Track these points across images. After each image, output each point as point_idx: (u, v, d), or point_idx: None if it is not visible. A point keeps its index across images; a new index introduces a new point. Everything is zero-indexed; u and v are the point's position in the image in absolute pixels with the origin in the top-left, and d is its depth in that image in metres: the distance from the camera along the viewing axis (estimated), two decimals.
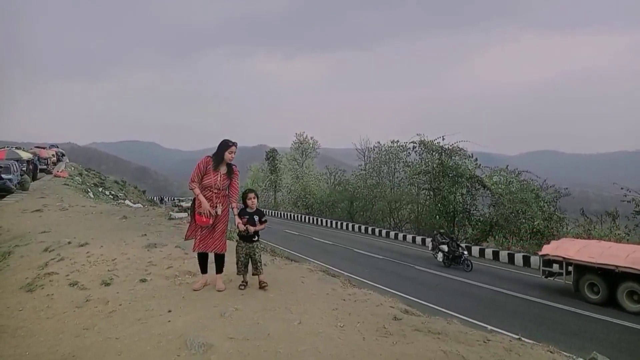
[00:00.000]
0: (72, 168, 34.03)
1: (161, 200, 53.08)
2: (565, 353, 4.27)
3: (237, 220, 5.49)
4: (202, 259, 5.64)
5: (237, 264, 5.57)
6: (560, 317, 10.74)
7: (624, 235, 20.19)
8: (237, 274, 5.63)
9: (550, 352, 4.12)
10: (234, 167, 5.52)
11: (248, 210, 5.52)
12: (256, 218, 5.52)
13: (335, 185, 42.25)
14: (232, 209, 5.54)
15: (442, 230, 20.42)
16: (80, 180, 28.29)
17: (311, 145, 51.93)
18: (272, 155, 50.44)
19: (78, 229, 10.59)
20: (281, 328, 4.27)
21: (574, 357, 4.26)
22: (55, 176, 30.32)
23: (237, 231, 5.59)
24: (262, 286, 5.52)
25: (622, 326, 10.13)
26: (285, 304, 4.97)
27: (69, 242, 8.61)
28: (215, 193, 5.37)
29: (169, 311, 4.77)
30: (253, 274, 5.53)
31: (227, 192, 5.53)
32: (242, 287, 5.54)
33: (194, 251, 5.56)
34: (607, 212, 21.46)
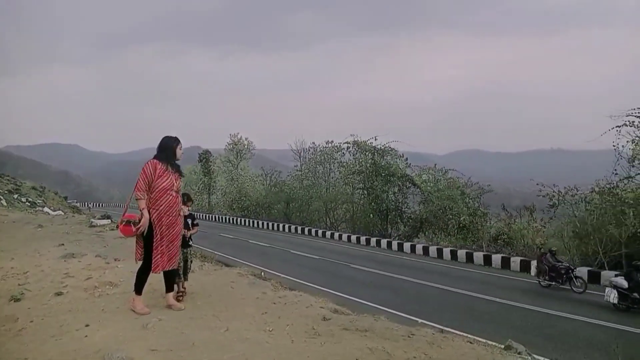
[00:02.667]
0: None
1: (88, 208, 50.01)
2: (483, 341, 4.50)
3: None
4: (146, 277, 4.83)
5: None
6: (486, 307, 11.36)
7: (540, 227, 21.82)
8: (176, 282, 5.32)
9: (470, 342, 4.33)
10: (179, 168, 5.05)
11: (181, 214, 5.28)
12: (189, 221, 5.34)
13: (271, 186, 42.04)
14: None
15: (553, 249, 15.22)
16: None
17: (246, 147, 51.32)
18: (205, 157, 49.21)
19: None
20: (207, 336, 4.14)
21: (492, 344, 4.50)
22: None
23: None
24: (178, 297, 5.23)
25: (543, 313, 10.86)
26: (212, 312, 4.84)
27: None
28: (174, 196, 4.82)
29: (87, 325, 4.48)
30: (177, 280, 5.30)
31: None
32: (181, 297, 5.26)
33: (156, 272, 4.75)
34: (525, 206, 23.07)
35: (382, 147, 29.61)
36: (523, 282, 15.25)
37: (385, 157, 29.86)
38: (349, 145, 31.86)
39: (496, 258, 18.04)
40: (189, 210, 5.40)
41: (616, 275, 11.99)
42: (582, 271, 15.44)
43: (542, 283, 14.20)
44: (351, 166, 31.57)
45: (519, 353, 4.16)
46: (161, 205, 4.71)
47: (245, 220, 39.07)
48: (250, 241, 24.90)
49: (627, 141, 18.41)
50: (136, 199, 4.72)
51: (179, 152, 4.94)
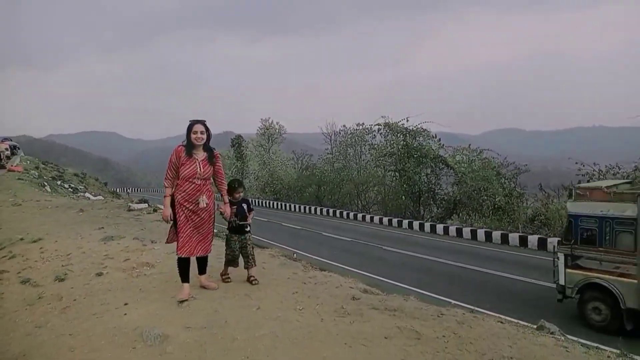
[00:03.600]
0: (28, 162, 32.61)
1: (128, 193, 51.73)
2: (515, 321, 4.44)
3: (227, 210, 5.05)
4: (185, 265, 4.77)
5: (227, 258, 5.31)
6: (521, 288, 11.17)
7: None
8: (227, 267, 5.36)
9: (501, 322, 4.27)
10: (214, 150, 4.86)
11: (233, 200, 5.21)
12: (245, 207, 5.29)
13: (302, 170, 42.19)
14: (224, 200, 5.03)
15: None
16: (37, 174, 27.18)
17: (277, 131, 51.62)
18: (237, 142, 49.82)
19: (32, 225, 10.21)
20: (239, 315, 4.26)
21: (524, 324, 4.43)
22: (9, 170, 29.00)
23: (230, 224, 5.23)
24: (251, 281, 5.22)
25: None
26: (244, 291, 4.95)
27: (22, 239, 8.30)
28: (198, 184, 4.67)
29: (125, 304, 4.68)
30: (245, 268, 5.31)
31: (212, 181, 4.93)
32: (229, 280, 5.29)
33: (178, 255, 4.72)
34: (563, 186, 22.31)
35: (414, 128, 29.13)
36: None
37: (417, 139, 29.35)
38: (380, 127, 31.46)
39: (532, 239, 17.60)
40: (240, 196, 5.25)
41: None
42: None
43: None
44: (382, 148, 31.23)
45: (552, 333, 4.08)
46: (182, 192, 4.68)
47: (277, 204, 39.52)
48: (282, 224, 25.22)
49: None
50: (165, 187, 4.76)
51: (192, 137, 4.65)
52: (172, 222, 4.80)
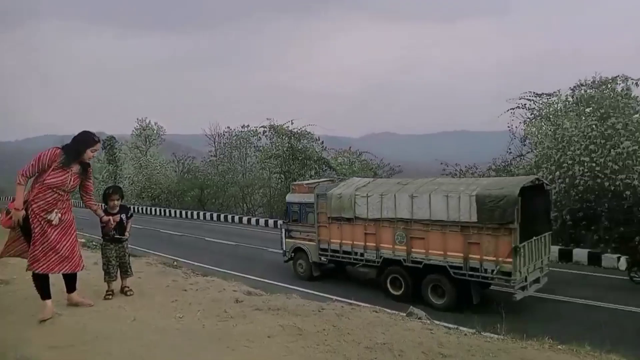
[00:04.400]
0: None
1: None
2: (388, 311, 4.80)
3: (107, 218, 4.75)
4: (43, 281, 4.25)
5: (106, 270, 4.94)
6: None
7: None
8: (107, 281, 4.95)
9: (376, 312, 4.60)
10: (89, 167, 4.49)
11: (110, 210, 4.91)
12: (123, 217, 4.99)
13: (183, 173, 40.53)
14: (96, 213, 4.68)
15: None
16: None
17: (155, 132, 48.75)
18: (110, 144, 46.16)
19: None
20: (112, 328, 3.98)
21: (396, 313, 4.82)
22: None
23: (108, 234, 4.91)
24: (125, 292, 4.96)
25: None
26: (117, 303, 4.64)
27: None
28: (61, 196, 4.23)
29: None
30: (121, 277, 5.01)
31: (80, 195, 4.57)
32: (110, 297, 4.87)
33: (32, 270, 4.17)
34: None
35: (299, 131, 29.84)
36: None
37: (301, 141, 30.13)
38: (265, 129, 31.63)
39: None
40: (116, 204, 4.95)
41: None
42: None
43: (634, 278, 11.80)
44: (268, 150, 31.44)
45: (420, 318, 4.50)
46: (41, 200, 4.16)
47: (156, 210, 37.45)
48: (161, 230, 23.98)
49: (520, 122, 20.38)
50: (16, 183, 4.11)
51: (89, 153, 4.33)
52: (19, 228, 4.21)
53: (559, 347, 4.09)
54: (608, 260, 13.97)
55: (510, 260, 8.81)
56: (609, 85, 17.53)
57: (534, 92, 20.01)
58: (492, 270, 9.06)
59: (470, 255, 9.36)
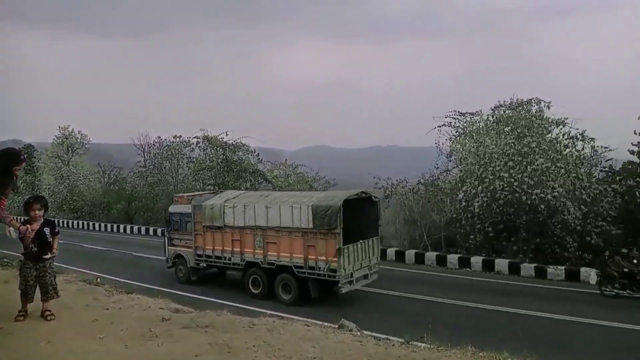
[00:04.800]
0: None
1: None
2: (319, 323, 4.81)
3: (23, 228, 4.26)
4: None
5: (22, 290, 4.43)
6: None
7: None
8: (22, 301, 4.46)
9: (307, 325, 4.59)
10: (11, 183, 4.29)
11: (31, 222, 4.39)
12: (47, 231, 4.47)
13: (109, 184, 38.46)
14: (10, 224, 4.25)
15: (624, 251, 12.71)
16: None
17: (79, 140, 45.96)
18: (27, 153, 42.86)
19: None
20: (24, 353, 3.66)
21: (327, 325, 4.84)
22: None
23: (27, 248, 4.41)
24: (46, 316, 4.46)
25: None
26: (30, 324, 4.28)
27: None
28: None
29: None
30: (42, 300, 4.50)
31: None
32: (21, 318, 4.39)
33: None
34: None
35: (234, 143, 29.41)
36: None
37: (237, 153, 29.72)
38: (198, 140, 30.85)
39: None
40: (38, 215, 4.47)
41: None
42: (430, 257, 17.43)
43: (605, 292, 12.08)
44: (201, 162, 30.67)
45: (350, 330, 4.55)
46: None
47: (79, 223, 35.14)
48: (84, 245, 22.52)
49: (446, 139, 21.46)
50: None
51: (15, 171, 4.18)
52: None
53: (480, 354, 4.30)
54: (526, 270, 14.98)
55: (336, 259, 10.69)
56: (525, 107, 19.01)
57: (459, 111, 21.27)
58: (324, 268, 10.91)
59: (309, 256, 11.20)
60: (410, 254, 17.86)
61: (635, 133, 17.20)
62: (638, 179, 16.25)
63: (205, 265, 13.55)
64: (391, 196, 21.64)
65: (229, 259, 12.65)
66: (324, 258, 10.90)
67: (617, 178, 17.05)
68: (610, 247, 13.99)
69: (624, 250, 12.59)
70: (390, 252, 18.24)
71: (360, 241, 11.55)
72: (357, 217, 11.42)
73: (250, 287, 12.21)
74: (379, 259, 12.68)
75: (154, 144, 37.82)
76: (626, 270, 11.73)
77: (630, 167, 17.45)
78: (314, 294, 11.23)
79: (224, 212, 12.57)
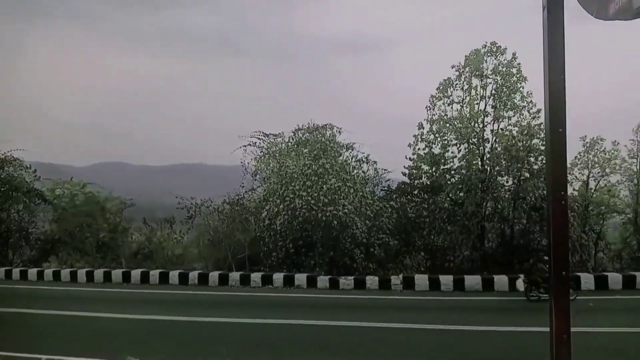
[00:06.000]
0: None
1: None
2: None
3: None
4: None
5: None
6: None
7: (179, 237, 22.85)
8: None
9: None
10: None
11: None
12: None
13: None
14: None
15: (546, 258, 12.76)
16: None
17: None
18: None
19: None
20: None
21: None
22: None
23: None
24: None
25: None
26: None
27: None
28: None
29: None
30: None
31: None
32: None
33: None
34: (165, 219, 23.67)
35: (2, 156, 24.54)
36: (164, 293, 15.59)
37: (6, 169, 24.83)
38: None
39: (135, 273, 17.80)
40: None
41: None
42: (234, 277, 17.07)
43: (531, 297, 12.93)
44: None
45: None
46: None
47: None
48: None
49: (252, 159, 21.85)
50: None
51: None
52: None
53: None
54: (322, 282, 16.11)
55: None
56: (320, 131, 20.73)
57: (263, 132, 21.98)
58: None
59: None
60: (214, 275, 17.45)
61: (406, 158, 20.32)
62: (409, 196, 19.28)
63: None
64: (195, 217, 20.95)
65: None
66: None
67: (394, 196, 19.82)
68: (535, 254, 15.28)
69: (546, 258, 13.87)
70: (193, 275, 17.54)
71: None
72: None
73: None
74: None
75: None
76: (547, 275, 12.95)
77: (403, 186, 20.45)
78: None
79: None
